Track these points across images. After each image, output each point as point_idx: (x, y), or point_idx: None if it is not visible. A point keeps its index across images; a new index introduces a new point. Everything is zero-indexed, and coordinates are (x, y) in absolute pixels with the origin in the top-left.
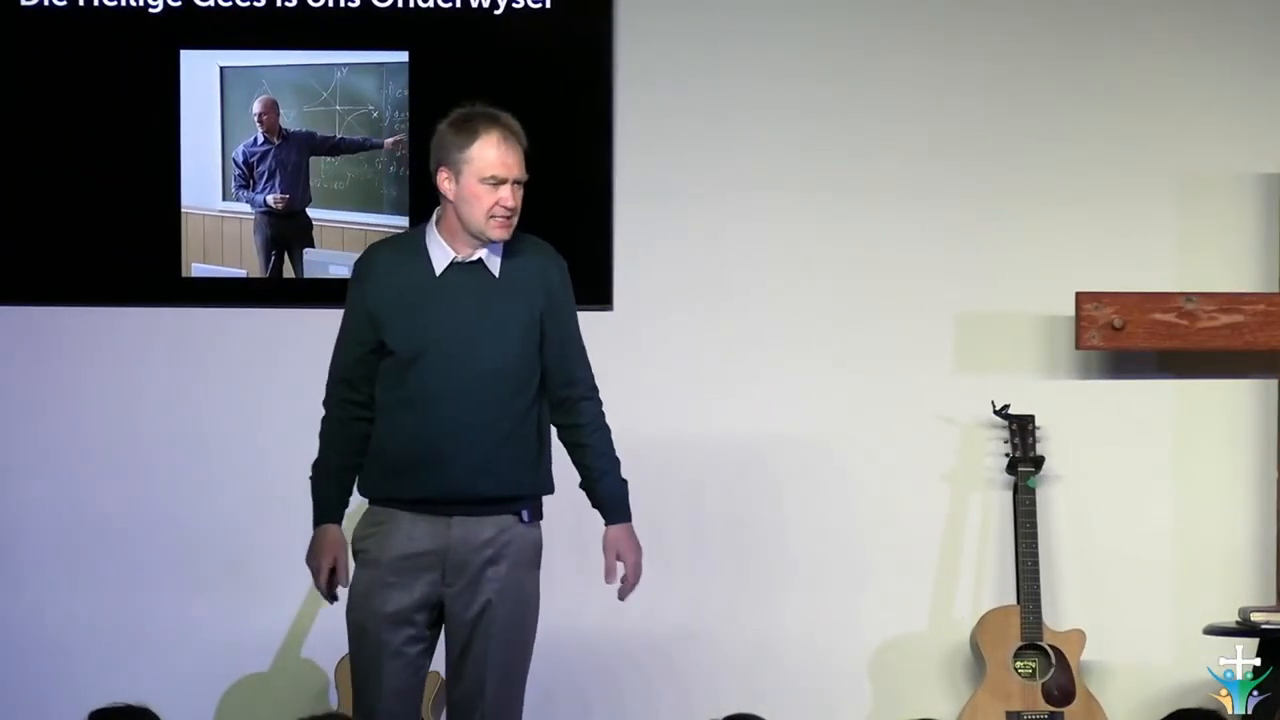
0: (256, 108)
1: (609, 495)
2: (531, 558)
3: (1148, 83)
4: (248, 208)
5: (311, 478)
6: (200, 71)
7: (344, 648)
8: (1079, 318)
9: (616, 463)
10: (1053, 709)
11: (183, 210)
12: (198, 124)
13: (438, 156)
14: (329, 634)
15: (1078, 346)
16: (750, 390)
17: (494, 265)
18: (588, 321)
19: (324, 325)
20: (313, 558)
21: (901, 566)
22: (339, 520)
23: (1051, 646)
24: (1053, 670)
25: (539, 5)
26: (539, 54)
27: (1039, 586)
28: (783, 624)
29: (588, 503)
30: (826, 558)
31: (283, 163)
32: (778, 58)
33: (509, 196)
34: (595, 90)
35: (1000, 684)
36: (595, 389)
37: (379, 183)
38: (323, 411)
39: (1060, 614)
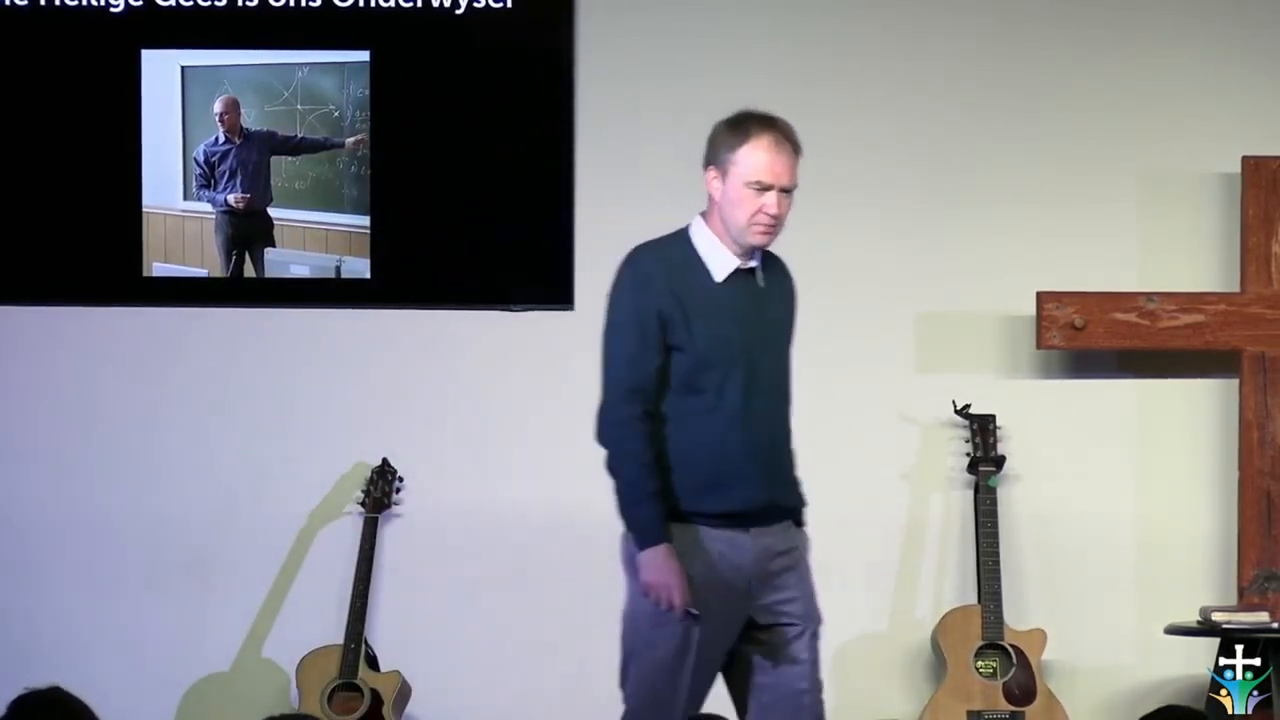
0: (218, 107)
1: None
2: (808, 560)
3: (1109, 83)
4: (209, 207)
5: (633, 499)
6: (161, 71)
7: (305, 647)
8: (1040, 317)
9: None
10: (1014, 708)
11: (144, 210)
12: (159, 123)
13: (709, 155)
14: (290, 634)
15: (1039, 346)
16: None
17: (759, 274)
18: (549, 321)
19: (285, 325)
20: (664, 575)
21: (862, 566)
22: (671, 539)
23: (1013, 646)
24: (1014, 670)
25: (500, 5)
26: (500, 54)
27: (1000, 586)
28: None
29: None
30: None
31: (244, 162)
32: (739, 59)
33: (773, 204)
34: (557, 89)
35: (961, 683)
36: None
37: (340, 182)
38: (614, 430)
39: (1021, 613)
